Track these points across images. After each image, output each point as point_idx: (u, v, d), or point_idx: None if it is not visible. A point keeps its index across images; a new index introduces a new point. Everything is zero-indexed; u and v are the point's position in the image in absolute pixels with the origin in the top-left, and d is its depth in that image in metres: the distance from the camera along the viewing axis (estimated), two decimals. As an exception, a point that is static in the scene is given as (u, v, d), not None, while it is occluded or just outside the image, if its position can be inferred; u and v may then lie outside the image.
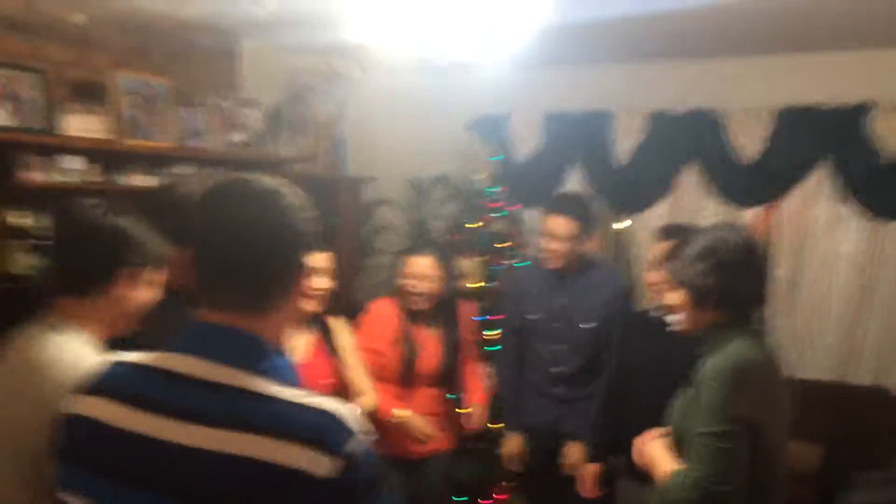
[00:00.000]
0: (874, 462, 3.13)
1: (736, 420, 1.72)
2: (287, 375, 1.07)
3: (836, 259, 3.54)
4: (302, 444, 0.97)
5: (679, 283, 1.90)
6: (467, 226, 3.98)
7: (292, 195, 1.10)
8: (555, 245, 2.95)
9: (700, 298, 1.86)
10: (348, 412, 1.03)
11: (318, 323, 2.62)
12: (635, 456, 2.02)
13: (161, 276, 1.60)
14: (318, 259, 2.51)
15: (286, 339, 1.13)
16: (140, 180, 2.75)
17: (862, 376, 3.57)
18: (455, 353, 2.99)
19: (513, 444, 3.14)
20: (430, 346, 2.94)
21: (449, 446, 3.10)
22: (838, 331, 3.56)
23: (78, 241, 1.53)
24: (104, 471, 1.06)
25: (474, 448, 3.61)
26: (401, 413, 2.82)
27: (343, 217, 3.63)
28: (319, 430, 0.99)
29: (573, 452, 3.02)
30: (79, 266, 1.53)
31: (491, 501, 3.75)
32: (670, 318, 1.97)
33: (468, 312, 3.17)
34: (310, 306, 2.49)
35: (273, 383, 1.04)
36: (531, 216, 4.21)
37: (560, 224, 2.93)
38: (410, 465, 2.97)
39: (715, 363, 1.79)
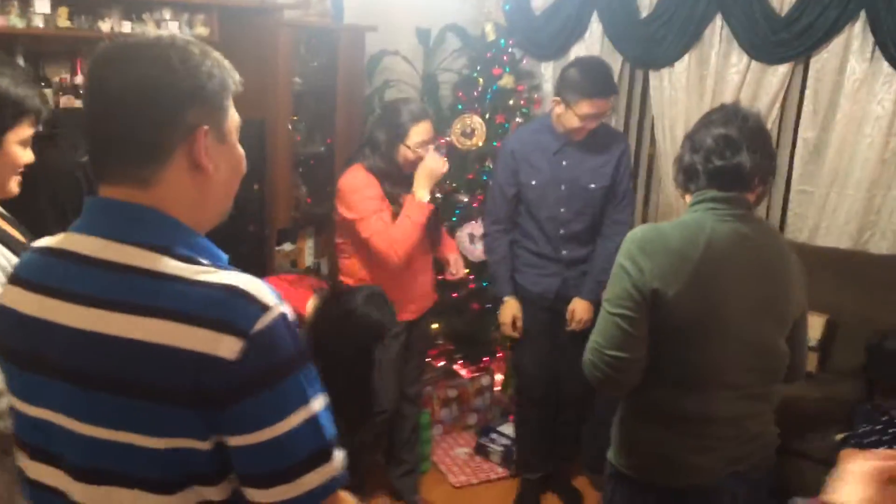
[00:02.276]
0: (878, 331, 3.05)
1: (627, 290, 1.72)
2: (195, 248, 1.03)
3: (864, 121, 3.31)
4: (206, 325, 0.94)
5: None
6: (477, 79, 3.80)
7: (181, 51, 1.01)
8: (593, 124, 2.86)
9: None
10: (256, 285, 0.99)
11: None
12: None
13: (28, 133, 1.51)
14: None
15: (204, 212, 1.08)
16: (111, 27, 2.60)
17: (880, 245, 3.43)
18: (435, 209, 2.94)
19: (509, 310, 3.13)
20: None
21: (434, 303, 3.12)
22: (859, 197, 3.39)
23: None
24: (13, 358, 1.07)
25: (466, 307, 3.61)
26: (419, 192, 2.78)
27: (341, 71, 3.46)
28: (225, 309, 0.95)
29: (580, 307, 3.03)
30: None
31: (488, 359, 3.81)
32: None
33: None
34: None
35: (174, 259, 0.99)
36: (546, 70, 4.02)
37: (604, 105, 2.84)
38: (405, 329, 2.99)
39: (629, 235, 1.80)
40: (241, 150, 1.11)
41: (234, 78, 1.07)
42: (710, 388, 1.77)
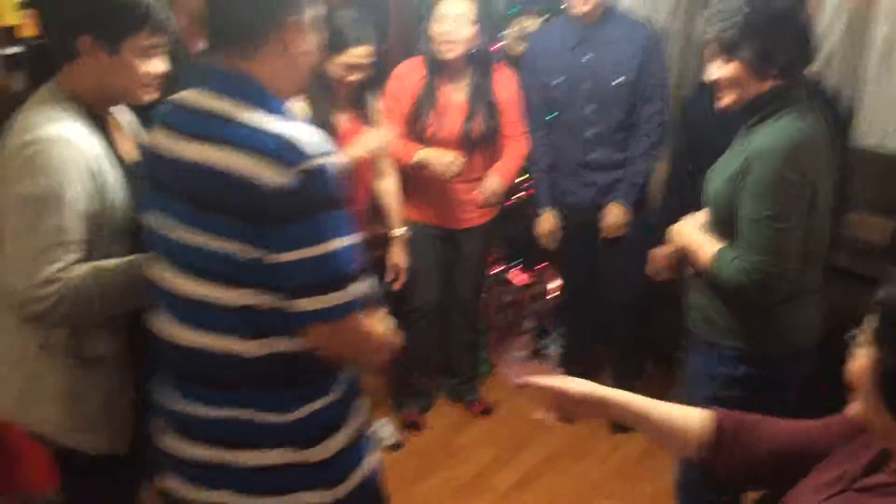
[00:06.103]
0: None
1: (789, 198, 1.70)
2: (270, 108, 1.35)
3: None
4: (261, 157, 1.26)
5: (713, 45, 1.77)
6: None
7: None
8: None
9: (730, 52, 1.75)
10: (310, 135, 1.30)
11: (359, 99, 2.55)
12: (674, 238, 1.99)
13: (161, 43, 1.58)
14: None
15: (285, 84, 1.42)
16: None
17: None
18: (486, 113, 2.87)
19: (546, 221, 3.11)
20: (454, 105, 2.82)
21: (489, 218, 3.12)
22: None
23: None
24: (155, 185, 1.44)
25: (523, 213, 3.58)
26: (420, 154, 2.77)
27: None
28: (279, 148, 1.27)
29: (612, 213, 2.99)
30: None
31: (525, 274, 3.83)
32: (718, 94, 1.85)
33: (506, 76, 2.99)
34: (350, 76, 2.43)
35: (253, 112, 1.32)
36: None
37: None
38: (451, 235, 3.02)
39: (765, 142, 1.72)
40: (317, 38, 1.45)
41: None
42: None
